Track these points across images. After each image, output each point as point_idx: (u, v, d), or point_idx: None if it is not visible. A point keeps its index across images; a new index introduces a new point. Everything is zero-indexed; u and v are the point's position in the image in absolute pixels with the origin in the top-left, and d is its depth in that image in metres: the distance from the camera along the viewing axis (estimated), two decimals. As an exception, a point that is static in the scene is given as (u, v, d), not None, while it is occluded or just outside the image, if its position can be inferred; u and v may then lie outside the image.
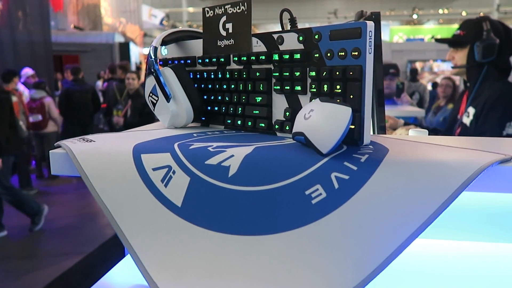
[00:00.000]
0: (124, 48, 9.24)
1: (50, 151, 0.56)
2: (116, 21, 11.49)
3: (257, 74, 0.60)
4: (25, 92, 5.04)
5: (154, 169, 0.50)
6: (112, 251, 2.87)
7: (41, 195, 4.32)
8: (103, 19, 10.99)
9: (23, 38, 6.68)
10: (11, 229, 3.25)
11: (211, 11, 0.68)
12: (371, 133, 0.79)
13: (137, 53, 10.14)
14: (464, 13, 15.13)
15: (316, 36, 0.53)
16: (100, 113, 5.39)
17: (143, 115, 3.86)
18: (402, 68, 8.78)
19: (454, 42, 1.54)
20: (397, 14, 16.49)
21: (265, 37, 0.60)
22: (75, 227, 3.48)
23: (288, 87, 0.57)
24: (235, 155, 0.49)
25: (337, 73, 0.50)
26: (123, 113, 4.14)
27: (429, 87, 6.48)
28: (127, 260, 0.62)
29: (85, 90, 4.89)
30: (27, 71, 5.37)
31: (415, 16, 16.21)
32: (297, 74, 0.55)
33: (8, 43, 6.44)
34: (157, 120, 0.73)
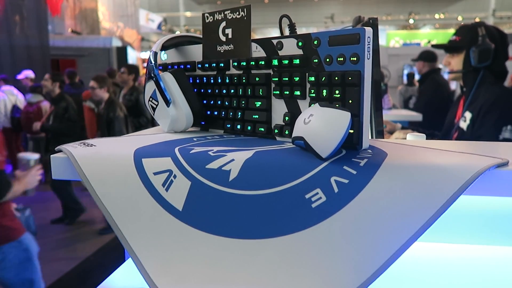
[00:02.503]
0: (122, 52, 9.23)
1: (51, 156, 0.56)
2: (114, 26, 11.50)
3: (257, 79, 0.61)
4: (18, 96, 5.04)
5: (155, 173, 0.50)
6: (110, 256, 2.86)
7: (39, 199, 4.29)
8: (101, 23, 10.99)
9: (21, 42, 6.69)
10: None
11: (211, 17, 0.68)
12: (369, 137, 0.79)
13: (134, 57, 10.13)
14: (460, 18, 15.23)
15: (315, 42, 0.54)
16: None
17: (63, 121, 3.56)
18: (399, 72, 8.82)
19: (450, 47, 1.56)
20: (394, 19, 16.59)
21: (265, 43, 0.61)
22: (72, 232, 3.46)
23: (287, 92, 0.58)
24: (235, 159, 0.49)
25: (336, 78, 0.51)
26: (44, 117, 3.86)
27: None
28: (127, 265, 0.62)
29: (81, 93, 4.88)
30: (29, 73, 5.41)
31: (411, 21, 16.32)
32: (296, 79, 0.56)
33: (6, 47, 6.45)
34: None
